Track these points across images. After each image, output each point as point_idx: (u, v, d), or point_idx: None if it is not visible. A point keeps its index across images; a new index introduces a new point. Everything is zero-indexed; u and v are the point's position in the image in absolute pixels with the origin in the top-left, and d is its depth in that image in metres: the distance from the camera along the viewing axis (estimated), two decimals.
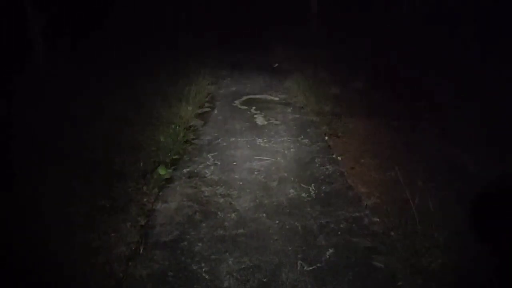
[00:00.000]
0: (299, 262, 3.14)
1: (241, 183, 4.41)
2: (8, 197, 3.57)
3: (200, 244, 3.36)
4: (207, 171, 4.67)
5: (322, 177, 4.55)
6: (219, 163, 4.88)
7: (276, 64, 10.56)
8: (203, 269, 3.06)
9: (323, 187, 4.31)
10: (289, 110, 6.98)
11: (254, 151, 5.24)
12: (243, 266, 3.10)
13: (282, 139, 5.64)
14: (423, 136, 5.40)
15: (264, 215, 3.79)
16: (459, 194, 3.88)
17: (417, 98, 6.75)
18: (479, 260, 3.04)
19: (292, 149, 5.28)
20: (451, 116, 5.92)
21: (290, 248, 3.31)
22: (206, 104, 7.29)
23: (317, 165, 4.84)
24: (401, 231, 3.42)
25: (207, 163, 4.89)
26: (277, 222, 3.68)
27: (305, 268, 3.08)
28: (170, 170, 4.63)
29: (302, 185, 4.36)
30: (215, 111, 6.92)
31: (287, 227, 3.60)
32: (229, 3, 15.89)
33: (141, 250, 3.26)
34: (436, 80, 7.05)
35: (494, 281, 2.87)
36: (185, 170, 4.69)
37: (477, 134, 5.21)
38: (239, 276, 2.99)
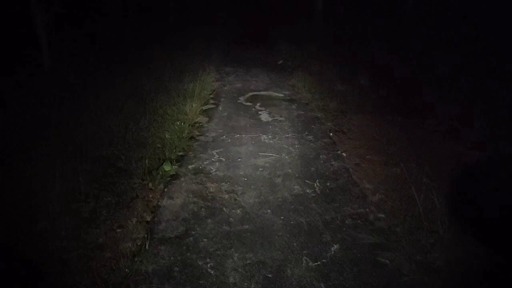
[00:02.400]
0: (304, 258, 3.15)
1: (246, 179, 4.41)
2: (13, 193, 3.59)
3: (205, 240, 3.37)
4: (212, 168, 4.68)
5: (327, 173, 4.55)
6: (224, 160, 4.89)
7: (281, 61, 10.54)
8: (209, 265, 3.07)
9: (328, 183, 4.31)
10: (294, 106, 6.97)
11: (259, 147, 5.24)
12: (248, 262, 3.10)
13: (287, 135, 5.63)
14: (429, 132, 5.39)
15: (269, 211, 3.80)
16: (465, 190, 3.88)
17: (423, 94, 6.72)
18: (484, 256, 3.04)
19: (297, 146, 5.28)
20: (457, 112, 5.90)
21: (295, 244, 3.31)
22: (211, 101, 7.29)
23: (322, 161, 4.84)
24: (406, 227, 3.42)
25: (212, 159, 4.90)
26: (282, 218, 3.68)
27: (310, 264, 3.08)
28: (175, 167, 4.64)
29: (307, 181, 4.36)
30: (220, 108, 6.92)
31: (292, 223, 3.61)
32: (233, 1, 15.85)
33: (147, 246, 3.28)
34: (441, 78, 7.02)
35: (499, 277, 2.87)
36: (190, 167, 4.70)
37: (483, 131, 5.20)
38: (245, 272, 3.00)
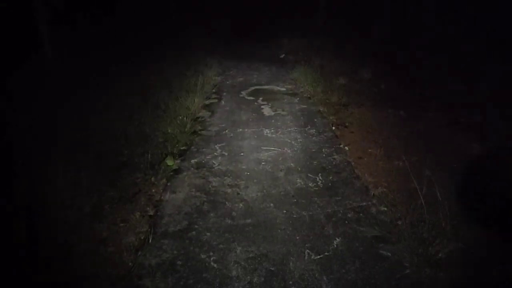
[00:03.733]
0: (307, 251, 3.16)
1: (248, 173, 4.42)
2: (17, 188, 3.61)
3: (208, 233, 3.39)
4: (214, 162, 4.69)
5: (329, 167, 4.55)
6: (226, 154, 4.90)
7: (283, 55, 10.52)
8: (211, 258, 3.09)
9: (330, 177, 4.31)
10: (296, 100, 6.97)
11: (261, 141, 5.24)
12: (251, 255, 3.12)
13: (289, 129, 5.63)
14: (431, 125, 5.38)
15: (272, 205, 3.81)
16: (467, 183, 3.88)
17: (425, 87, 6.71)
18: (486, 248, 3.05)
19: (299, 139, 5.28)
20: (459, 105, 5.89)
21: (297, 238, 3.32)
22: (213, 95, 7.29)
23: (324, 155, 4.84)
24: (408, 220, 3.42)
25: (215, 154, 4.91)
26: (285, 211, 3.69)
27: (312, 257, 3.10)
28: (178, 161, 4.65)
29: (309, 175, 4.37)
30: (222, 102, 6.92)
31: (295, 216, 3.62)
32: None
33: (150, 240, 3.30)
34: (444, 70, 7.00)
35: (501, 270, 2.88)
36: (192, 161, 4.71)
37: (486, 124, 5.19)
38: (247, 265, 3.01)
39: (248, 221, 3.57)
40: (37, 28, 6.91)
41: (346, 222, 3.53)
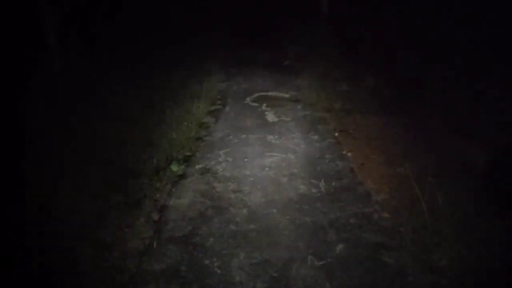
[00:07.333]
0: (310, 257, 3.18)
1: (252, 179, 4.46)
2: (24, 192, 3.66)
3: (212, 239, 3.42)
4: (219, 168, 4.73)
5: (332, 173, 4.58)
6: (230, 160, 4.93)
7: (287, 62, 10.55)
8: (215, 264, 3.12)
9: (333, 183, 4.34)
10: (300, 107, 6.99)
11: (265, 147, 5.28)
12: (254, 261, 3.15)
13: (293, 135, 5.67)
14: (434, 132, 5.39)
15: (275, 210, 3.84)
16: (469, 189, 3.89)
17: (429, 95, 6.71)
18: (488, 255, 3.06)
19: (302, 146, 5.31)
20: (463, 112, 5.89)
21: (300, 244, 3.35)
22: (218, 102, 7.32)
23: (327, 161, 4.87)
24: (411, 227, 3.44)
25: (219, 159, 4.95)
26: (288, 217, 3.72)
27: (315, 263, 3.12)
28: (182, 167, 4.69)
29: (312, 181, 4.39)
30: (227, 108, 6.96)
31: (298, 222, 3.64)
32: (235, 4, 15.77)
33: (155, 245, 3.34)
34: (449, 78, 7.01)
35: (504, 277, 2.89)
36: (197, 167, 4.75)
37: (490, 131, 5.19)
38: (251, 271, 3.04)
39: (252, 226, 3.60)
40: (43, 33, 6.97)
41: (349, 228, 3.55)
